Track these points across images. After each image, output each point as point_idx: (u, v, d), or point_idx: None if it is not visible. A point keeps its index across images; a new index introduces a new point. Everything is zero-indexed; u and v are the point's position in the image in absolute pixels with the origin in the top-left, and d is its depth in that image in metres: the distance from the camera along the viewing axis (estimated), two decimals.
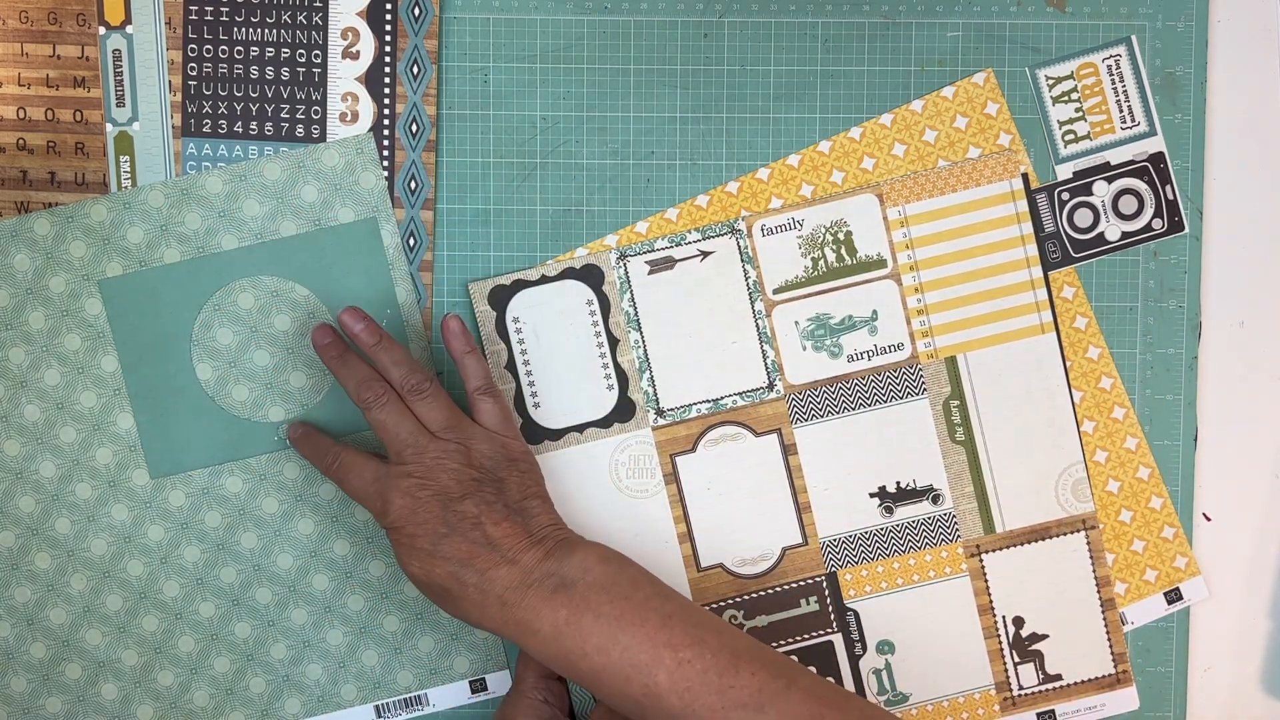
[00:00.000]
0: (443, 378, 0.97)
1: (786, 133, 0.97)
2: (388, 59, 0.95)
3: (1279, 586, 0.99)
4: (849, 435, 0.97)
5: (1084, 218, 0.97)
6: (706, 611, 0.86)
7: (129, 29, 0.94)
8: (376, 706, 0.98)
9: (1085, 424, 0.98)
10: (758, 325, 0.96)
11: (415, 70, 0.96)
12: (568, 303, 0.96)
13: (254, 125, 0.95)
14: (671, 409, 0.97)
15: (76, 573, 0.96)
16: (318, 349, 0.92)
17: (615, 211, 0.97)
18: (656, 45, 0.96)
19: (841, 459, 0.97)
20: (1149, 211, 0.97)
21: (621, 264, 0.96)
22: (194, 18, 0.95)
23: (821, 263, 0.97)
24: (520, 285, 0.96)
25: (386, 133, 0.96)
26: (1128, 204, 0.97)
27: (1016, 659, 0.98)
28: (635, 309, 0.96)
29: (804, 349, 0.97)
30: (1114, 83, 0.97)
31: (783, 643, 0.98)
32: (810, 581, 0.98)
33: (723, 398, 0.97)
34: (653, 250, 0.96)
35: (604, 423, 0.97)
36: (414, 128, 0.96)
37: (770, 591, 0.98)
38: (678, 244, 0.96)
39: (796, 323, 0.96)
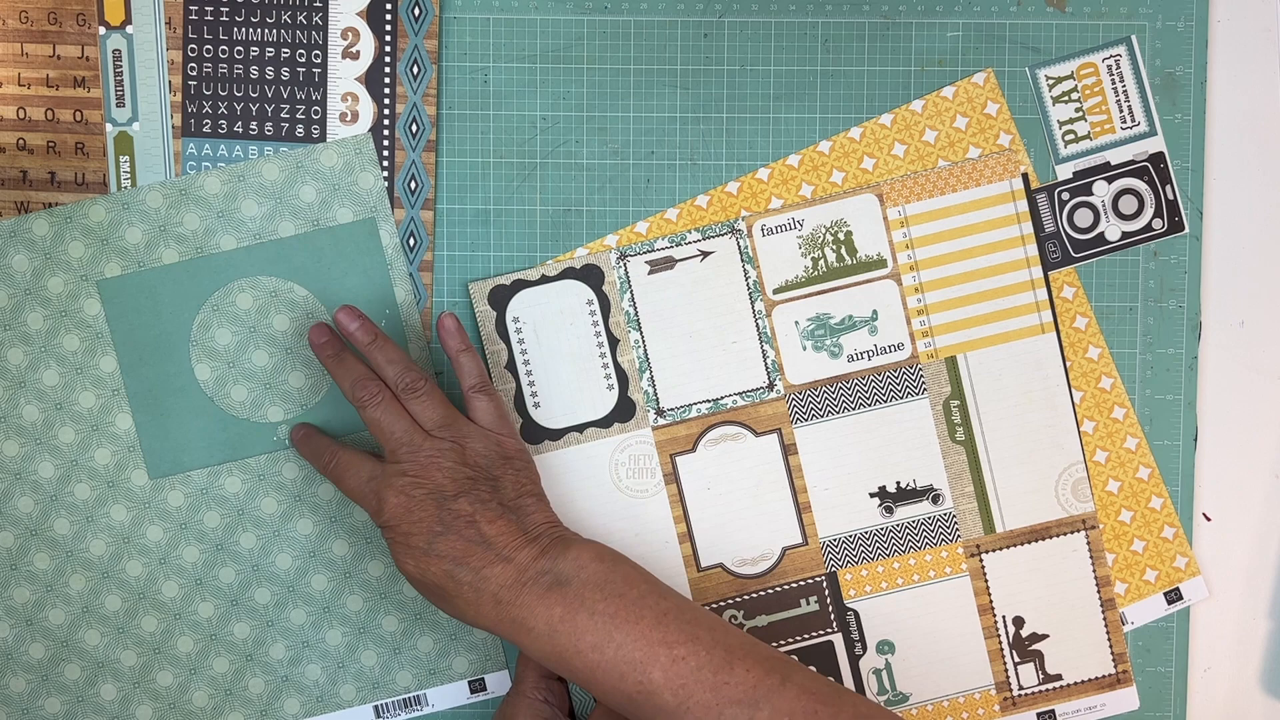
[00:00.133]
0: (441, 378, 0.97)
1: (786, 133, 0.97)
2: (388, 59, 0.95)
3: (1279, 586, 0.99)
4: (849, 435, 0.97)
5: (1084, 218, 0.97)
6: (702, 608, 0.86)
7: (129, 29, 0.94)
8: (376, 707, 0.98)
9: (1085, 424, 0.98)
10: (758, 325, 0.96)
11: (415, 70, 0.96)
12: (568, 303, 0.96)
13: (254, 125, 0.95)
14: (671, 409, 0.97)
15: (75, 573, 0.96)
16: (314, 348, 0.92)
17: (615, 211, 0.97)
18: (656, 45, 0.96)
19: (841, 459, 0.97)
20: (1149, 211, 0.97)
21: (621, 264, 0.96)
22: (194, 18, 0.95)
23: (821, 263, 0.97)
24: (520, 285, 0.96)
25: (386, 133, 0.96)
26: (1128, 204, 0.97)
27: (1016, 659, 0.98)
28: (635, 309, 0.96)
29: (804, 349, 0.97)
30: (1114, 83, 0.97)
31: (783, 643, 0.98)
32: (810, 581, 0.98)
33: (723, 398, 0.97)
34: (653, 250, 0.96)
35: (604, 423, 0.97)
36: (414, 128, 0.96)
37: (770, 591, 0.98)
38: (678, 244, 0.96)
39: (796, 323, 0.96)
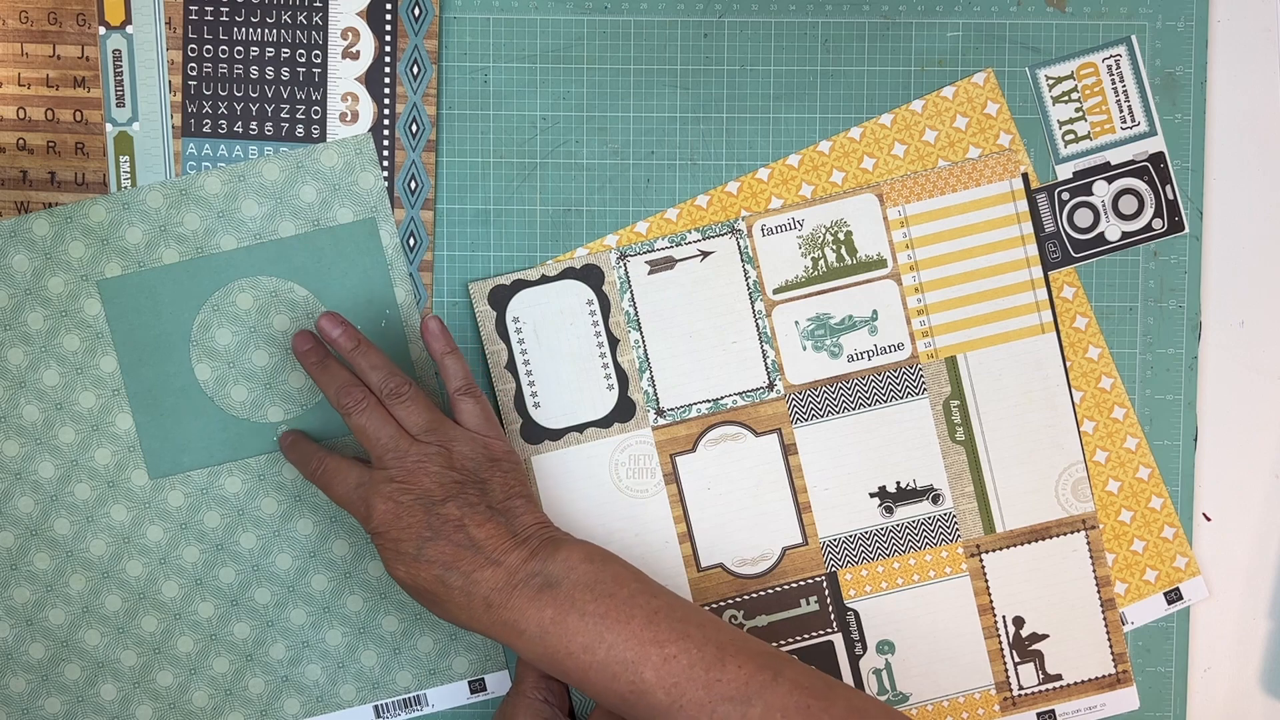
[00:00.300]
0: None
1: (786, 133, 0.97)
2: (388, 59, 0.95)
3: (1279, 586, 0.99)
4: (849, 435, 0.97)
5: (1084, 218, 0.97)
6: (693, 606, 0.86)
7: (129, 29, 0.94)
8: (375, 707, 0.98)
9: (1085, 424, 0.98)
10: (758, 325, 0.96)
11: (415, 70, 0.96)
12: (568, 303, 0.96)
13: (254, 125, 0.95)
14: (671, 409, 0.97)
15: (75, 573, 0.96)
16: (298, 355, 0.92)
17: (615, 211, 0.97)
18: (656, 45, 0.96)
19: (841, 459, 0.97)
20: (1149, 211, 0.97)
21: (621, 264, 0.96)
22: (194, 18, 0.95)
23: (821, 263, 0.97)
24: (520, 285, 0.96)
25: (386, 133, 0.96)
26: (1128, 204, 0.97)
27: (1016, 659, 0.98)
28: (635, 309, 0.96)
29: (804, 349, 0.97)
30: (1114, 83, 0.97)
31: (783, 643, 0.98)
32: (810, 581, 0.98)
33: (723, 398, 0.97)
34: (653, 250, 0.96)
35: (604, 423, 0.97)
36: (414, 128, 0.96)
37: (770, 591, 0.98)
38: (678, 244, 0.96)
39: (796, 323, 0.96)
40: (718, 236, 0.96)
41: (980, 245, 0.96)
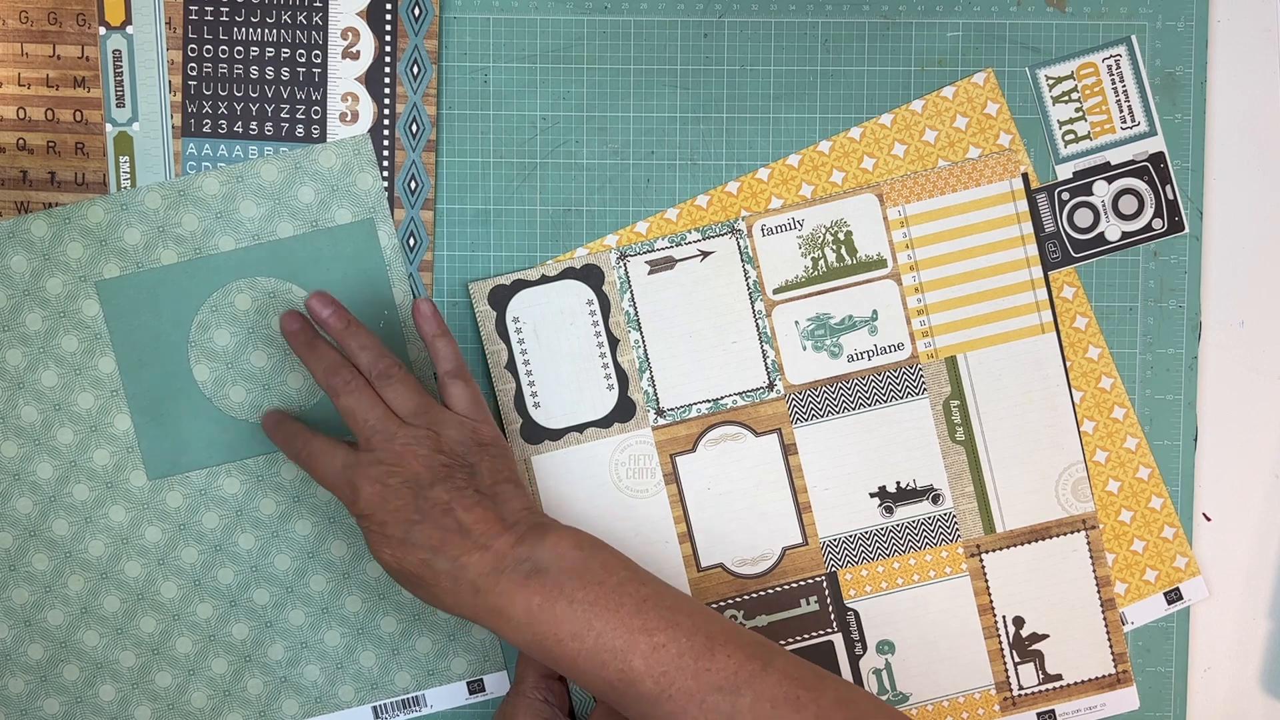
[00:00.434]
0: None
1: (786, 133, 0.97)
2: (388, 59, 0.95)
3: (1279, 586, 1.00)
4: (849, 435, 0.97)
5: (1084, 218, 0.97)
6: (683, 594, 0.85)
7: (129, 29, 0.94)
8: (374, 707, 0.98)
9: (1085, 424, 0.98)
10: (758, 325, 0.96)
11: (415, 70, 0.96)
12: (568, 303, 0.96)
13: (254, 125, 0.95)
14: (671, 409, 0.97)
15: (74, 574, 0.96)
16: (286, 335, 0.92)
17: (615, 211, 0.97)
18: (656, 45, 0.96)
19: (841, 459, 0.97)
20: (1149, 211, 0.97)
21: (621, 264, 0.96)
22: (194, 18, 0.95)
23: (821, 263, 0.97)
24: (520, 285, 0.96)
25: (386, 133, 0.96)
26: (1128, 204, 0.97)
27: (1016, 659, 0.98)
28: (635, 309, 0.96)
29: (804, 349, 0.97)
30: (1114, 83, 0.97)
31: (783, 643, 0.98)
32: (810, 581, 0.98)
33: (723, 398, 0.97)
34: (653, 250, 0.96)
35: (604, 423, 0.97)
36: (414, 128, 0.96)
37: (770, 591, 0.98)
38: (678, 244, 0.96)
39: (796, 323, 0.96)
40: (718, 236, 0.96)
41: (980, 245, 0.96)
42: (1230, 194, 0.98)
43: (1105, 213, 0.97)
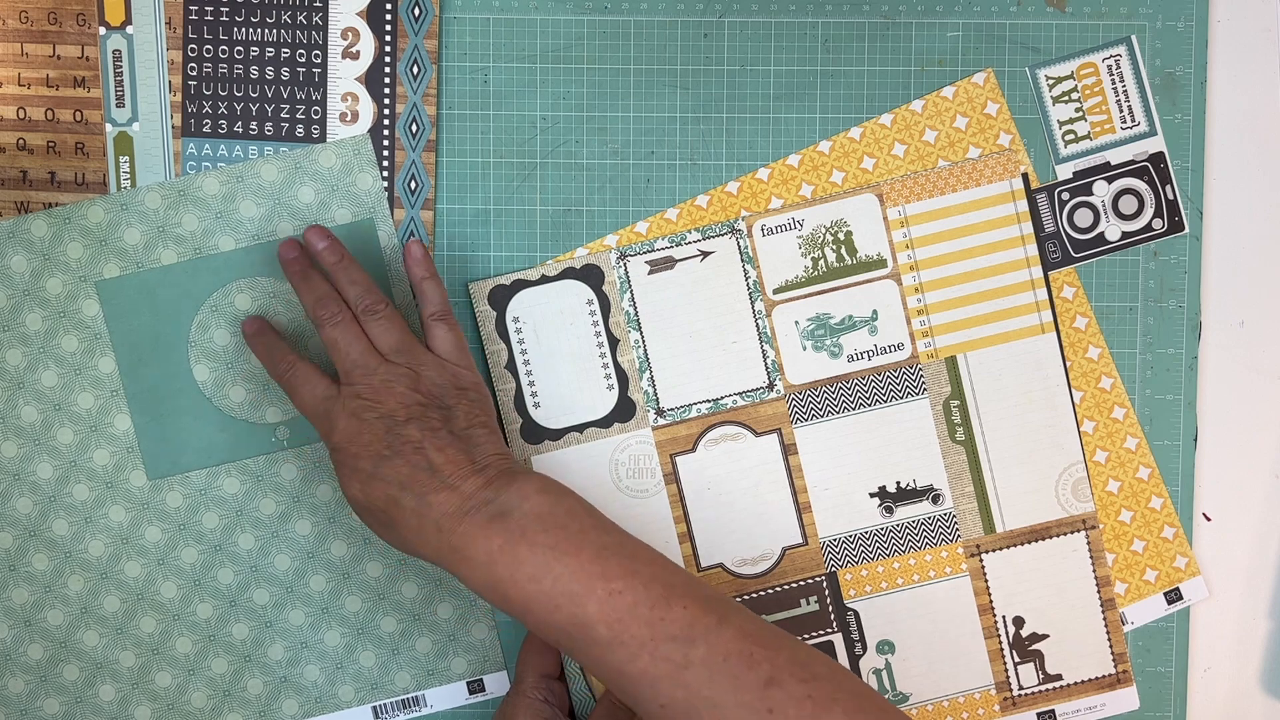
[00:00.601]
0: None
1: (786, 133, 0.97)
2: (388, 59, 0.95)
3: (1279, 586, 1.00)
4: (849, 435, 0.97)
5: (1084, 218, 0.97)
6: (646, 545, 0.85)
7: (129, 29, 0.94)
8: (374, 707, 0.98)
9: (1085, 424, 0.98)
10: (758, 325, 0.96)
11: (415, 70, 0.96)
12: (568, 303, 0.96)
13: (254, 125, 0.95)
14: (671, 409, 0.97)
15: (74, 574, 0.96)
16: (283, 263, 0.92)
17: (615, 211, 0.97)
18: (656, 45, 0.96)
19: (841, 459, 0.97)
20: (1149, 211, 0.97)
21: (621, 264, 0.96)
22: (194, 18, 0.95)
23: (821, 263, 0.97)
24: (520, 285, 0.96)
25: (386, 133, 0.96)
26: (1128, 204, 0.97)
27: (1016, 659, 0.98)
28: (635, 309, 0.96)
29: (804, 349, 0.97)
30: (1114, 83, 0.97)
31: None
32: (810, 581, 0.98)
33: (723, 398, 0.96)
34: (653, 250, 0.96)
35: (604, 423, 0.97)
36: (414, 128, 0.96)
37: (770, 591, 0.97)
38: (678, 244, 0.96)
39: (796, 323, 0.96)
40: (718, 236, 0.96)
41: (980, 245, 0.96)
42: (1230, 194, 0.98)
43: (1105, 213, 0.97)
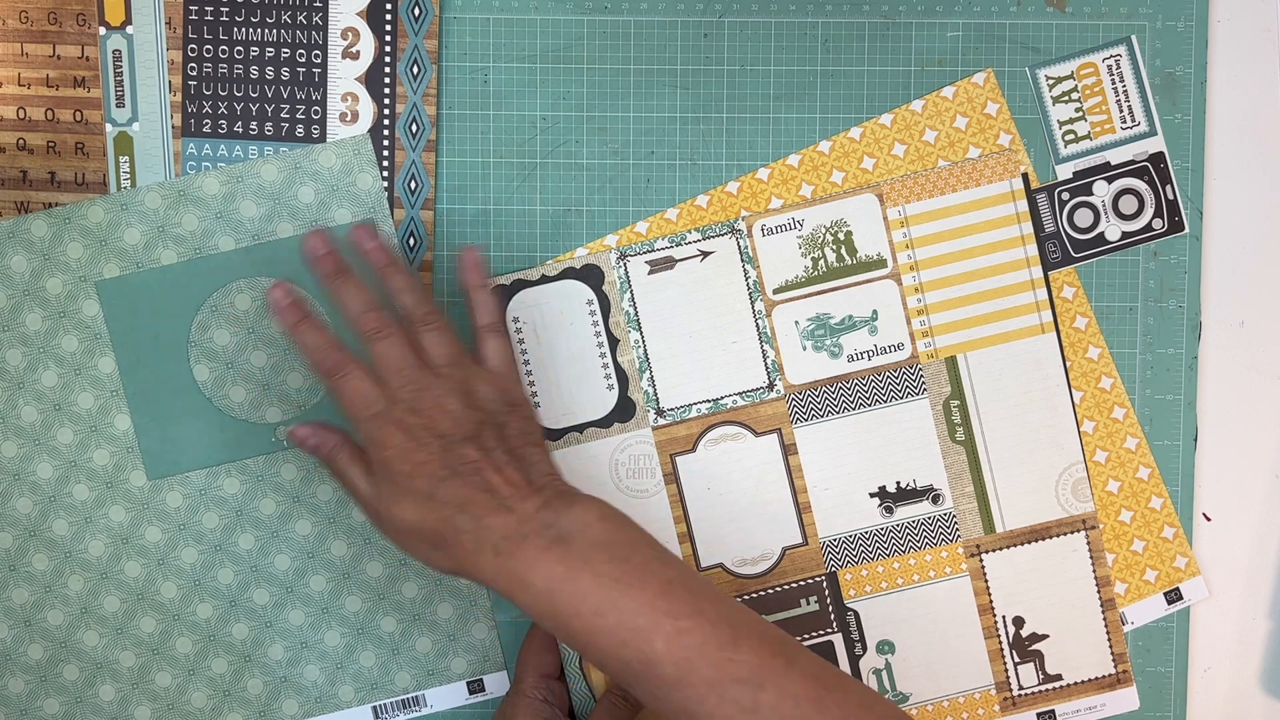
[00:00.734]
0: None
1: (786, 133, 0.97)
2: (388, 59, 0.95)
3: (1279, 586, 1.00)
4: (849, 435, 0.97)
5: (1084, 218, 0.97)
6: (705, 579, 0.84)
7: (129, 29, 0.94)
8: (374, 707, 0.98)
9: (1085, 424, 0.98)
10: (758, 325, 0.96)
11: (415, 70, 0.96)
12: (568, 303, 0.96)
13: (254, 125, 0.95)
14: (671, 409, 0.96)
15: (74, 574, 0.96)
16: (311, 259, 0.89)
17: (615, 211, 0.97)
18: (656, 45, 0.96)
19: (841, 459, 0.97)
20: (1149, 211, 0.97)
21: (621, 264, 0.96)
22: (194, 18, 0.95)
23: (821, 263, 0.97)
24: (520, 285, 0.96)
25: (386, 133, 0.96)
26: (1128, 204, 0.97)
27: (1016, 659, 0.98)
28: (635, 309, 0.96)
29: (804, 349, 0.97)
30: (1114, 83, 0.97)
31: None
32: (810, 581, 0.98)
33: (723, 398, 0.96)
34: (653, 250, 0.96)
35: (604, 423, 0.97)
36: (414, 128, 0.96)
37: (770, 591, 0.97)
38: (678, 244, 0.96)
39: (796, 323, 0.96)
40: (718, 236, 0.96)
41: (980, 245, 0.96)
42: (1230, 194, 0.98)
43: (1105, 213, 0.97)
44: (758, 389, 0.97)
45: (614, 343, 0.96)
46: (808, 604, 0.98)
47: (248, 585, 0.97)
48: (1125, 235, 0.97)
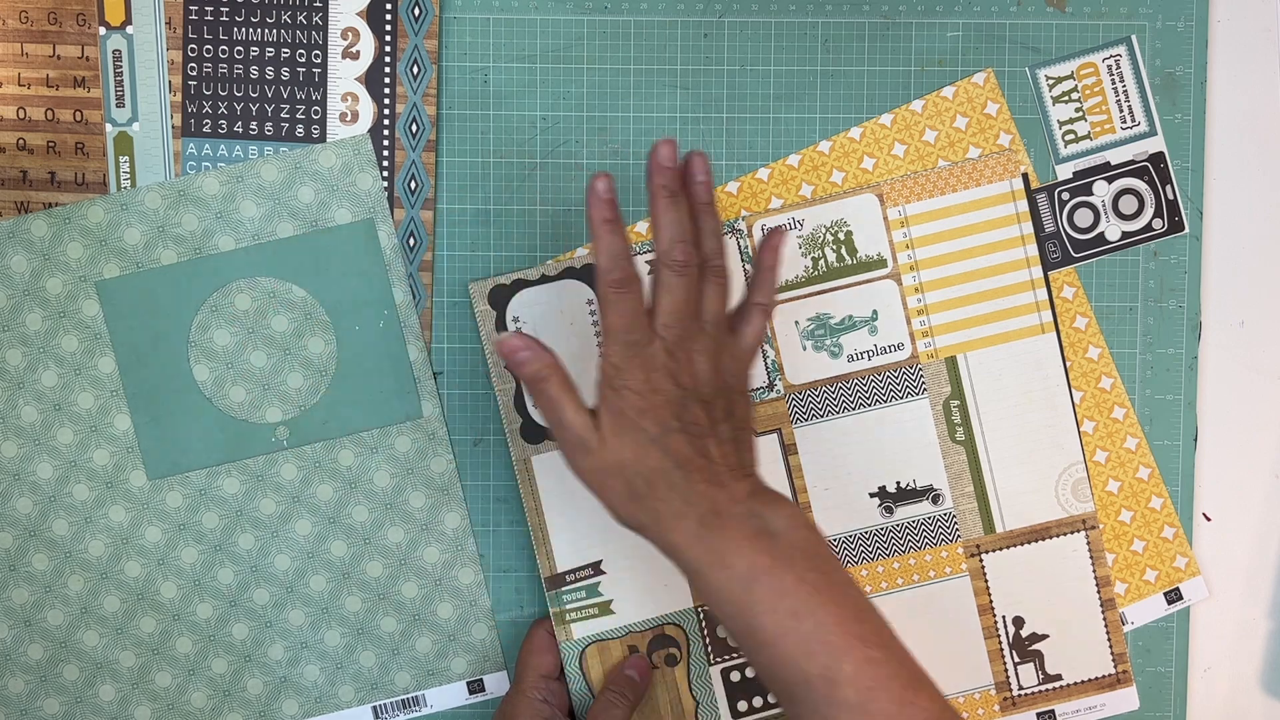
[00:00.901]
0: (441, 378, 0.97)
1: (786, 133, 0.97)
2: (388, 59, 0.95)
3: (1279, 586, 1.00)
4: (849, 435, 0.97)
5: (1084, 218, 0.97)
6: (886, 618, 0.81)
7: (129, 29, 0.94)
8: (374, 707, 0.98)
9: (1085, 424, 0.98)
10: None
11: (415, 70, 0.96)
12: (568, 302, 0.96)
13: (254, 125, 0.95)
14: None
15: (74, 574, 0.96)
16: (658, 168, 0.82)
17: None
18: (656, 45, 0.96)
19: (841, 459, 0.97)
20: (1149, 211, 0.97)
21: None
22: (194, 18, 0.95)
23: (821, 263, 0.96)
24: (520, 285, 0.96)
25: (386, 133, 0.96)
26: (1128, 204, 0.97)
27: (1016, 659, 0.98)
28: None
29: (804, 349, 0.97)
30: (1114, 83, 0.97)
31: None
32: None
33: None
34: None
35: None
36: (414, 128, 0.96)
37: None
38: None
39: (796, 323, 0.96)
40: None
41: (980, 245, 0.96)
42: (1230, 194, 0.98)
43: (1105, 213, 0.97)
44: (757, 389, 0.97)
45: None
46: None
47: (248, 585, 0.97)
48: (1125, 235, 0.97)
